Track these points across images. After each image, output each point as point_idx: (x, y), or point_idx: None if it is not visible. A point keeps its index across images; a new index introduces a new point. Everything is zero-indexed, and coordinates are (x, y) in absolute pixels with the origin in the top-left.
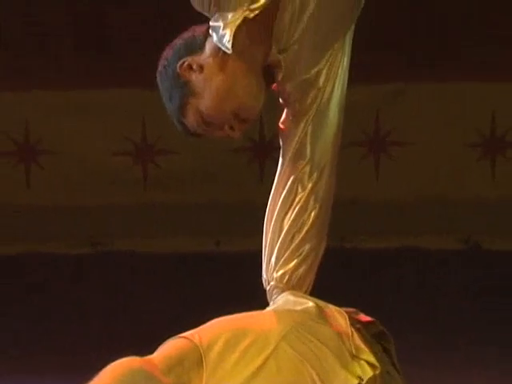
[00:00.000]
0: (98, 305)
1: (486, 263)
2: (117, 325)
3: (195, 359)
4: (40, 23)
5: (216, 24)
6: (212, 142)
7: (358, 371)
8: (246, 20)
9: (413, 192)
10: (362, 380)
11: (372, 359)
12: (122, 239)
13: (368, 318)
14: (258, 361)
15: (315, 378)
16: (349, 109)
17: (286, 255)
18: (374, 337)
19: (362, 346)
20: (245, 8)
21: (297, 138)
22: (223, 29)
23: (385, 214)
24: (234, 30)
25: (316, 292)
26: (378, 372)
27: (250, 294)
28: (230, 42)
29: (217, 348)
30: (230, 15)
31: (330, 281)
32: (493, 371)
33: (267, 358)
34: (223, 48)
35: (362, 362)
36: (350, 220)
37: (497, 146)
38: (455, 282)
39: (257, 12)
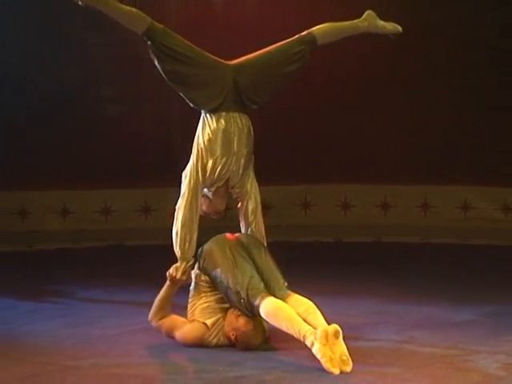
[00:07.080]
0: None
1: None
2: None
3: None
4: None
5: (206, 189)
6: None
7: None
8: (218, 186)
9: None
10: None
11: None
12: None
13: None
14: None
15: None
16: None
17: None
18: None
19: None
20: (217, 184)
21: (244, 208)
22: (212, 194)
23: (310, 232)
24: (213, 190)
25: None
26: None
27: None
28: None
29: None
30: (215, 186)
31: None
32: None
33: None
34: (211, 198)
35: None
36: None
37: None
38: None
39: (222, 184)
